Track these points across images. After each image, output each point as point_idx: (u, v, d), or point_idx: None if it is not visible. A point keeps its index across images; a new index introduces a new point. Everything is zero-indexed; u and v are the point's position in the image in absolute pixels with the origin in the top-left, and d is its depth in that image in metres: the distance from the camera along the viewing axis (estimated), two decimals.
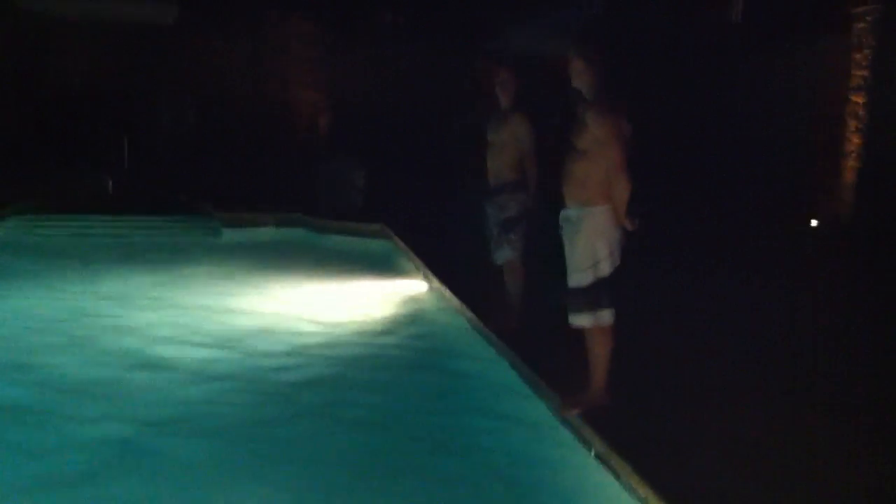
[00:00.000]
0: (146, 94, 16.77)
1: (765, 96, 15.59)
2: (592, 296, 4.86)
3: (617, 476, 4.37)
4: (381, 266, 10.50)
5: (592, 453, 4.68)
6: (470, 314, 7.51)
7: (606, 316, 4.90)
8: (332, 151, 15.78)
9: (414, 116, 17.21)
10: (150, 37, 16.70)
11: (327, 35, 17.94)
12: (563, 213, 5.02)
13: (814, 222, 13.13)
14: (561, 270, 5.06)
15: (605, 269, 4.84)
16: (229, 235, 12.25)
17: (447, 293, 8.44)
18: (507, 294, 6.81)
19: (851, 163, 13.81)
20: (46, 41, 16.81)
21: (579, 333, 5.04)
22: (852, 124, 13.78)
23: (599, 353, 4.97)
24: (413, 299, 8.90)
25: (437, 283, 8.94)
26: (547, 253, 5.36)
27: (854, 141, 13.73)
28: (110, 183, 14.10)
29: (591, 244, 4.83)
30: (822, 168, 14.39)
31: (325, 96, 17.97)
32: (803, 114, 14.84)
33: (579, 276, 4.88)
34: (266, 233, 12.60)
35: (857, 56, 13.69)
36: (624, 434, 4.65)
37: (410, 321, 8.04)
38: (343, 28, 17.89)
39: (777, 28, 15.56)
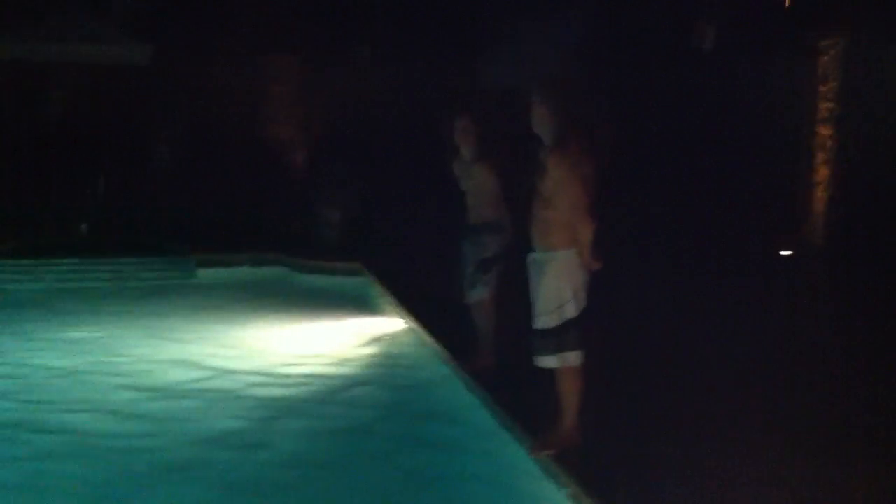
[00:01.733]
0: (121, 136, 16.76)
1: (734, 126, 15.77)
2: (559, 338, 4.90)
3: None
4: (358, 305, 10.52)
5: (566, 493, 4.71)
6: (445, 353, 7.54)
7: (573, 357, 4.95)
8: (310, 188, 15.82)
9: (392, 151, 17.30)
10: (125, 77, 16.72)
11: (304, 71, 18.03)
12: (529, 257, 5.08)
13: (785, 252, 13.26)
14: (530, 310, 5.11)
15: (571, 311, 4.89)
16: (204, 276, 12.22)
17: (422, 332, 8.47)
18: (479, 332, 6.85)
19: (821, 193, 14.00)
20: (20, 85, 16.81)
21: (552, 373, 5.08)
22: (820, 156, 13.99)
23: (569, 394, 5.01)
24: (389, 338, 8.93)
25: (412, 322, 8.97)
26: (521, 293, 5.41)
27: (822, 172, 13.93)
28: (84, 226, 14.04)
29: (556, 287, 4.88)
30: (792, 197, 14.57)
31: (302, 132, 18.03)
32: (772, 144, 15.03)
33: (545, 319, 4.93)
34: (242, 272, 12.58)
35: (823, 88, 13.93)
36: (596, 474, 4.68)
37: (385, 360, 8.08)
38: (320, 64, 17.99)
39: (746, 58, 15.80)
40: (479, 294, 6.71)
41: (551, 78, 5.20)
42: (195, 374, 7.47)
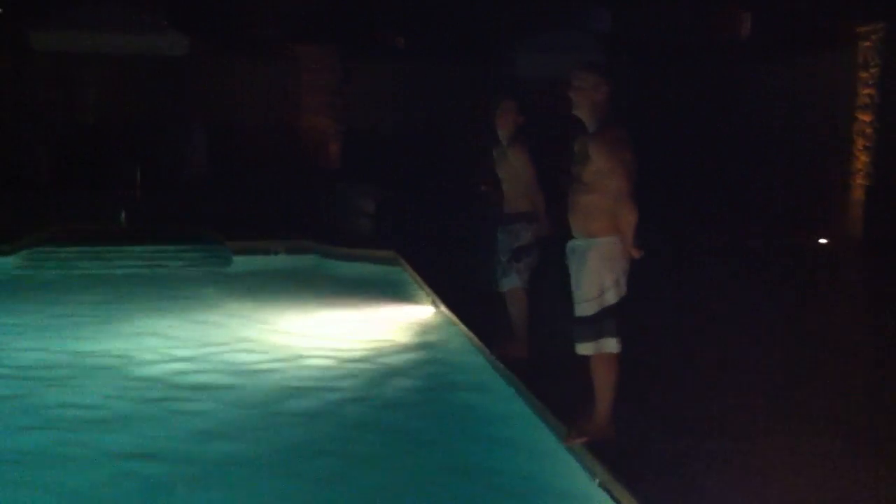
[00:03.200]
0: (159, 125, 16.94)
1: (773, 114, 15.62)
2: (597, 325, 4.89)
3: None
4: (392, 293, 10.55)
5: (597, 482, 4.71)
6: (478, 342, 7.55)
7: (612, 344, 4.93)
8: (344, 178, 15.89)
9: (426, 141, 17.33)
10: (163, 68, 16.88)
11: (337, 61, 18.08)
12: (569, 244, 5.07)
13: (822, 240, 13.12)
14: (568, 299, 5.10)
15: (611, 298, 4.87)
16: (239, 264, 12.32)
17: (456, 320, 8.48)
18: (512, 322, 6.85)
19: (860, 180, 13.82)
20: (60, 76, 17.03)
21: (586, 362, 5.08)
22: (860, 142, 13.80)
23: (604, 383, 5.00)
24: (422, 326, 8.95)
25: (446, 310, 8.99)
26: (557, 281, 5.40)
27: (862, 159, 13.75)
28: (123, 214, 14.21)
29: (596, 275, 4.86)
30: (830, 185, 14.40)
31: (336, 122, 18.09)
32: (811, 131, 14.86)
33: (585, 306, 4.92)
34: (276, 260, 12.67)
35: (864, 75, 13.73)
36: (628, 463, 4.67)
37: (419, 349, 8.09)
38: (354, 53, 18.03)
39: (784, 45, 15.62)
40: (512, 283, 6.71)
41: (594, 63, 5.17)
42: (229, 362, 7.53)
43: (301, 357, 7.68)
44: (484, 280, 7.15)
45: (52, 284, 10.97)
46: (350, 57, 17.98)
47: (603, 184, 4.81)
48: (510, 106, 6.69)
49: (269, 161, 16.84)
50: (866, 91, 13.76)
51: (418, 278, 10.56)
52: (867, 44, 13.72)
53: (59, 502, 4.78)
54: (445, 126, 17.27)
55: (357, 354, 7.78)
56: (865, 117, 13.76)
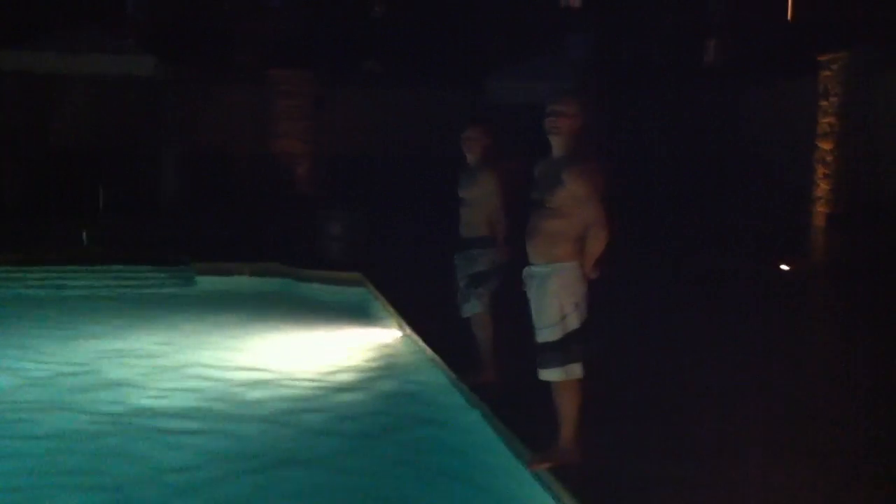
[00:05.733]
0: (123, 146, 16.83)
1: (736, 141, 15.83)
2: (564, 350, 4.90)
3: None
4: (358, 315, 10.53)
5: None
6: (444, 366, 7.54)
7: (576, 369, 4.94)
8: (317, 202, 15.87)
9: (401, 165, 17.38)
10: (127, 88, 16.81)
11: (313, 86, 18.11)
12: (526, 270, 5.07)
13: (784, 266, 13.27)
14: (529, 323, 5.10)
15: (573, 323, 4.89)
16: (203, 285, 12.23)
17: (422, 344, 8.46)
18: (479, 346, 6.84)
19: (821, 207, 14.03)
20: (24, 96, 16.89)
21: (550, 387, 5.07)
22: (821, 170, 14.02)
23: (569, 408, 5.00)
24: (388, 349, 8.92)
25: (412, 334, 8.97)
26: (518, 306, 5.40)
27: (823, 186, 13.97)
28: (84, 234, 14.06)
29: (556, 300, 4.88)
30: (792, 212, 14.61)
31: (310, 147, 18.09)
32: (774, 158, 15.08)
33: (547, 332, 4.92)
34: (241, 282, 12.58)
35: (824, 103, 13.98)
36: (594, 488, 4.67)
37: (383, 372, 8.07)
38: (330, 79, 18.08)
39: (748, 74, 15.88)
40: (474, 309, 6.70)
41: (570, 88, 5.22)
42: (191, 382, 7.46)
43: (260, 380, 7.62)
44: (451, 302, 7.15)
45: (11, 305, 10.81)
46: (326, 82, 18.02)
47: (575, 210, 4.84)
48: (477, 130, 6.72)
49: (241, 185, 16.80)
50: (826, 120, 14.00)
51: (384, 301, 10.53)
52: (827, 73, 13.97)
53: None
54: (421, 150, 17.35)
55: (319, 377, 7.75)
56: (826, 145, 14.00)
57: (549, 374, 5.00)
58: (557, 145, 5.00)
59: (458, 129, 6.81)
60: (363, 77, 19.24)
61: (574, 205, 4.83)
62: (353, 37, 19.41)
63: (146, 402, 6.96)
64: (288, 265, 12.81)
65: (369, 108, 18.27)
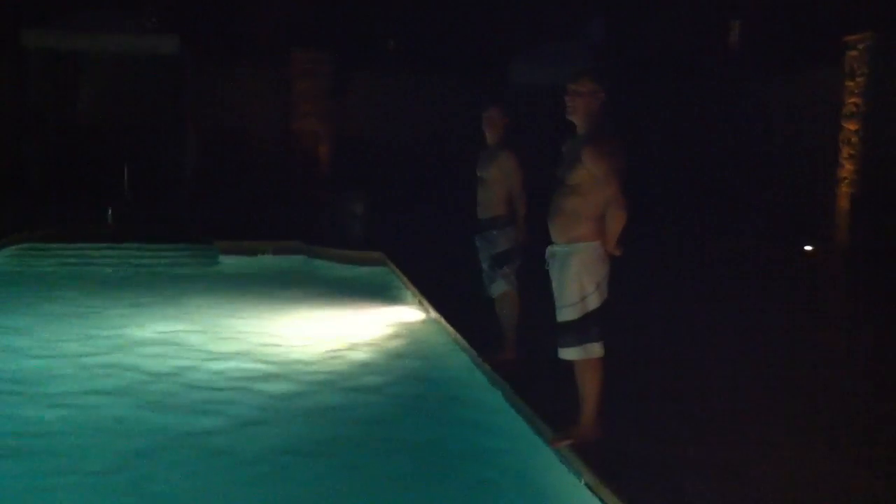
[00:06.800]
0: (147, 124, 16.93)
1: (760, 123, 15.72)
2: (581, 329, 4.92)
3: None
4: (379, 294, 10.58)
5: (583, 483, 4.74)
6: (465, 344, 7.58)
7: (596, 349, 4.96)
8: (333, 180, 15.95)
9: (415, 145, 17.39)
10: (157, 71, 16.90)
11: (333, 67, 18.13)
12: (549, 249, 5.08)
13: (808, 247, 13.22)
14: (552, 302, 5.13)
15: (593, 303, 4.90)
16: (227, 263, 12.32)
17: (443, 322, 8.51)
18: (502, 325, 6.88)
19: (846, 188, 13.93)
20: (49, 75, 17.00)
21: (572, 365, 5.10)
22: (846, 151, 13.91)
23: (589, 386, 5.03)
24: (409, 328, 8.96)
25: (433, 312, 9.01)
26: (540, 285, 5.42)
27: (848, 167, 13.86)
28: (110, 212, 14.19)
29: (577, 280, 4.89)
30: (817, 193, 14.51)
31: (326, 126, 18.13)
32: (798, 140, 14.97)
33: (567, 311, 4.94)
34: (264, 261, 12.67)
35: (850, 84, 13.84)
36: (615, 466, 4.71)
37: (405, 350, 8.11)
38: (349, 61, 18.09)
39: (771, 55, 15.73)
40: (500, 288, 6.75)
41: (593, 70, 5.21)
42: (214, 362, 7.52)
43: (284, 356, 7.68)
44: (471, 282, 7.17)
45: (39, 281, 10.94)
46: (345, 64, 18.04)
47: (594, 188, 4.84)
48: (497, 110, 6.79)
49: (262, 165, 16.88)
50: (852, 100, 13.88)
51: (405, 279, 10.58)
52: (854, 53, 13.84)
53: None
54: (439, 133, 17.36)
55: (341, 355, 7.79)
56: (851, 126, 13.88)
57: (568, 353, 5.02)
58: (578, 124, 5.01)
59: (477, 113, 6.87)
60: (383, 59, 19.22)
61: (592, 183, 4.83)
62: (374, 19, 19.37)
63: (170, 380, 7.01)
64: (309, 244, 12.89)
65: (388, 91, 18.28)
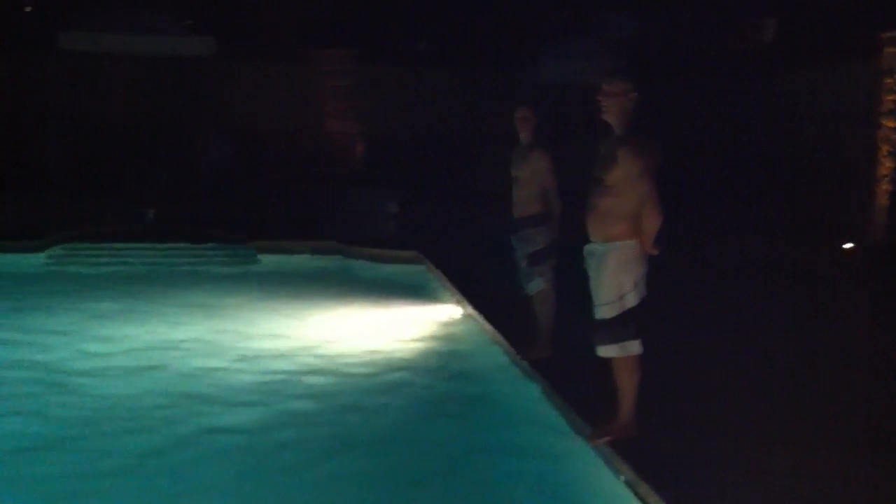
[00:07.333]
0: (185, 126, 17.12)
1: (797, 119, 15.59)
2: (619, 327, 4.97)
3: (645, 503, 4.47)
4: (416, 293, 10.65)
5: (622, 480, 4.78)
6: (503, 341, 7.63)
7: (633, 346, 5.01)
8: (366, 181, 16.03)
9: (447, 143, 17.42)
10: (189, 69, 17.08)
11: (359, 65, 18.20)
12: (587, 248, 5.13)
13: (847, 245, 13.09)
14: (589, 300, 5.17)
15: (631, 301, 4.94)
16: (265, 263, 12.46)
17: (480, 320, 8.57)
18: (538, 322, 6.93)
19: (885, 186, 13.78)
20: (89, 77, 17.24)
21: (610, 362, 5.15)
22: (884, 148, 13.76)
23: (627, 384, 5.07)
24: (446, 326, 9.03)
25: (470, 310, 9.08)
26: (576, 283, 5.47)
27: (887, 165, 13.71)
28: (151, 213, 14.38)
29: (615, 278, 4.94)
30: (855, 191, 14.37)
31: (359, 125, 18.21)
32: (836, 137, 14.83)
33: (605, 309, 4.99)
34: (301, 260, 12.79)
35: (889, 81, 13.69)
36: (652, 462, 4.74)
37: (443, 348, 8.19)
38: (377, 57, 18.15)
39: (808, 52, 15.60)
40: (538, 286, 6.81)
41: (624, 70, 5.27)
42: (254, 361, 7.62)
43: (322, 354, 7.78)
44: (507, 281, 7.23)
45: (78, 281, 11.12)
46: (372, 62, 18.10)
47: (629, 187, 4.88)
48: (529, 109, 6.89)
49: (292, 164, 16.98)
50: (891, 97, 13.72)
51: (443, 278, 10.64)
52: (892, 49, 13.69)
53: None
54: (468, 131, 17.38)
55: (380, 352, 7.88)
56: (890, 123, 13.73)
57: (605, 351, 5.08)
58: (613, 124, 5.06)
59: (505, 110, 6.96)
60: (412, 57, 19.27)
61: (627, 182, 4.88)
62: (400, 16, 19.41)
63: (210, 377, 7.12)
64: (345, 243, 12.99)
65: (418, 88, 18.31)
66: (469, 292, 9.49)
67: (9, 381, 6.78)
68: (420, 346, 8.21)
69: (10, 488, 4.81)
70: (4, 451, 5.35)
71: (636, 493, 4.58)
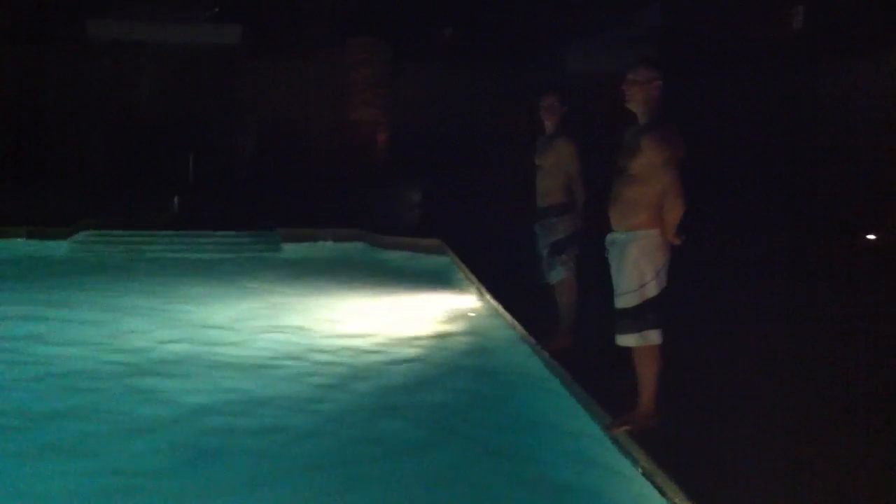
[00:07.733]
0: (211, 114, 17.23)
1: (825, 110, 15.46)
2: (639, 316, 4.96)
3: (663, 493, 4.47)
4: (438, 281, 10.68)
5: (640, 471, 4.79)
6: (523, 331, 7.65)
7: (653, 336, 5.00)
8: (391, 169, 16.08)
9: (472, 134, 17.42)
10: (215, 57, 17.17)
11: (387, 57, 18.23)
12: (609, 237, 5.13)
13: (870, 236, 12.99)
14: (610, 289, 5.17)
15: (652, 290, 4.94)
16: (289, 250, 12.54)
17: (501, 309, 8.58)
18: (560, 312, 6.94)
19: None
20: (115, 65, 17.38)
21: (630, 352, 5.15)
22: None
23: (647, 373, 5.07)
24: (467, 315, 9.05)
25: (491, 299, 9.10)
26: (597, 272, 5.47)
27: None
28: (176, 200, 14.51)
29: (637, 267, 4.93)
30: (880, 182, 14.23)
31: (384, 115, 18.25)
32: (863, 128, 14.69)
33: (626, 298, 4.99)
34: (325, 248, 12.87)
35: None
36: (671, 452, 4.75)
37: (463, 337, 8.19)
38: (404, 51, 18.17)
39: (837, 45, 15.45)
40: (559, 275, 6.80)
41: (649, 58, 5.24)
42: (277, 345, 7.68)
43: (345, 342, 7.80)
44: (529, 271, 7.23)
45: (105, 269, 11.25)
46: (400, 54, 18.13)
47: (652, 177, 4.87)
48: (554, 97, 6.84)
49: (319, 153, 17.06)
50: None
51: (464, 267, 10.67)
52: None
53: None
54: (493, 123, 17.38)
55: (402, 340, 7.90)
56: None
57: (625, 340, 5.07)
58: (638, 113, 5.05)
59: (531, 101, 6.93)
60: (438, 47, 19.27)
61: (651, 171, 4.87)
62: (428, 9, 19.41)
63: (237, 363, 7.18)
64: (369, 231, 13.05)
65: (443, 79, 18.32)
66: (490, 282, 9.51)
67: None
68: (441, 334, 8.18)
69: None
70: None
71: (653, 483, 4.58)
